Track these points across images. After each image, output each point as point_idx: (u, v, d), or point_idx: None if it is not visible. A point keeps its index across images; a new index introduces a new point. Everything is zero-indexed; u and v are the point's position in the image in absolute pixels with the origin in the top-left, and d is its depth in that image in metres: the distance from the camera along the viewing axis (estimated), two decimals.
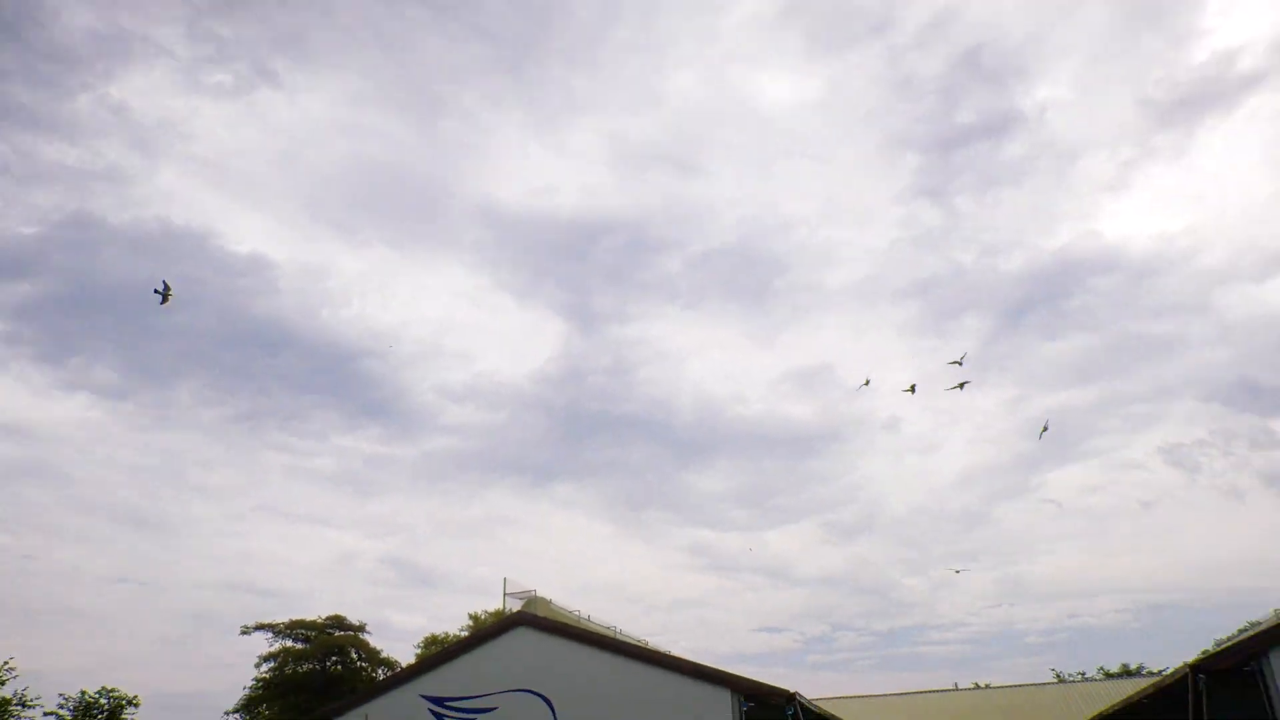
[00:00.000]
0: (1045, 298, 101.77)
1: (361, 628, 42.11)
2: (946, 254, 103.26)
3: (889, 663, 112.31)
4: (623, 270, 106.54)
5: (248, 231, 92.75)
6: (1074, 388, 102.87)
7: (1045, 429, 27.10)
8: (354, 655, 40.89)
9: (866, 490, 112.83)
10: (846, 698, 48.70)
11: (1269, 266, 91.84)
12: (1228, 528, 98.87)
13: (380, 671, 40.55)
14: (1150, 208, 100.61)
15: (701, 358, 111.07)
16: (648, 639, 26.39)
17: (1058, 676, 67.60)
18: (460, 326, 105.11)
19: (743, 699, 20.08)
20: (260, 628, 40.23)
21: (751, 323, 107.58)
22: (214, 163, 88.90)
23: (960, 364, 25.24)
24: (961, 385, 25.62)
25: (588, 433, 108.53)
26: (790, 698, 19.90)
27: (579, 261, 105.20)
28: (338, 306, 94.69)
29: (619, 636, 24.45)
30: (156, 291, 20.09)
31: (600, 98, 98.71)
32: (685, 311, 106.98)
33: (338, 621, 41.55)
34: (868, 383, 27.41)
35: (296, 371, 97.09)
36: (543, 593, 23.91)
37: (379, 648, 42.34)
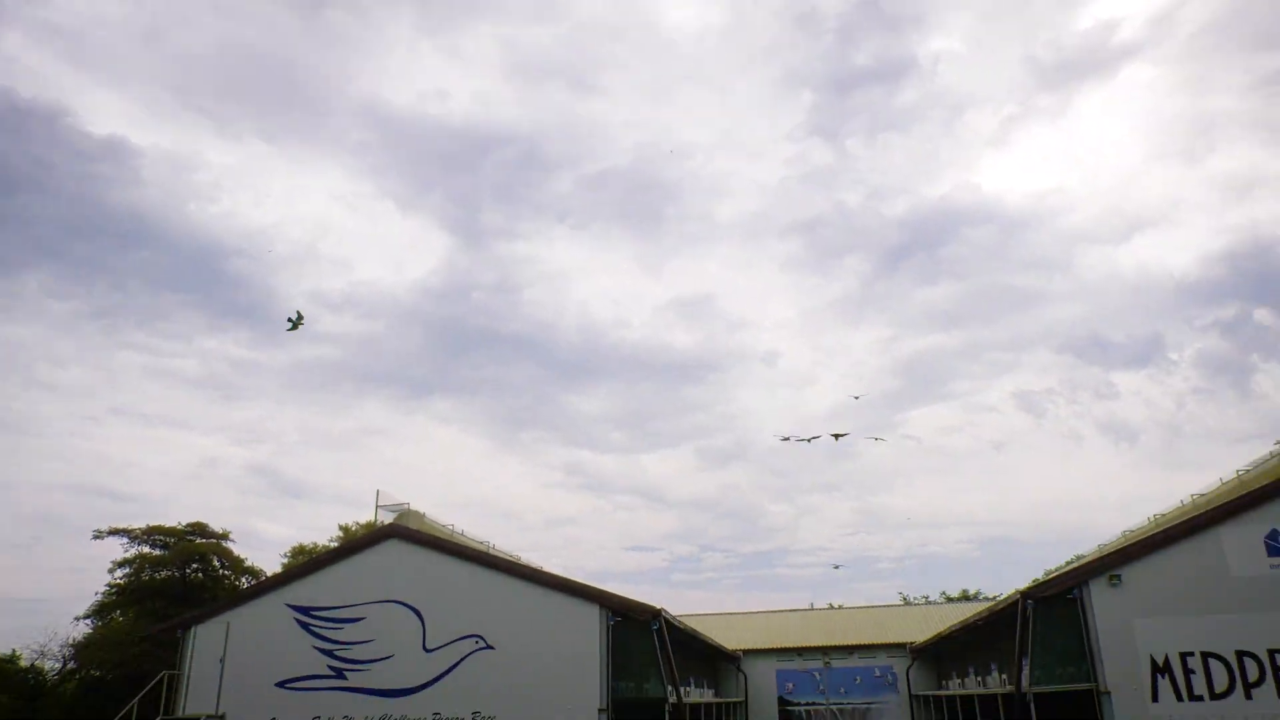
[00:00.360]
0: (923, 244, 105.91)
1: (225, 536, 41.16)
2: (834, 194, 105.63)
3: (752, 583, 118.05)
4: (513, 186, 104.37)
5: (106, 113, 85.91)
6: (942, 332, 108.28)
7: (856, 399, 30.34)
8: (216, 563, 40.02)
9: (741, 420, 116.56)
10: (710, 615, 51.10)
11: (1127, 231, 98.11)
12: (1065, 470, 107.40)
13: (244, 580, 39.88)
14: (1027, 165, 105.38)
15: (588, 280, 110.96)
16: (520, 555, 26.86)
17: (904, 599, 72.89)
18: (339, 232, 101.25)
19: (610, 614, 20.81)
20: (115, 532, 38.75)
21: (640, 248, 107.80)
22: (69, 33, 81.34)
23: (858, 398, 28.69)
24: (834, 435, 30.90)
25: (469, 349, 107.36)
26: (656, 614, 20.73)
27: (468, 173, 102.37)
28: (206, 201, 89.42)
29: (492, 552, 24.81)
30: (289, 319, 21.98)
31: (499, 3, 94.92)
32: (574, 232, 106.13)
33: (199, 529, 40.43)
34: (786, 438, 30.43)
35: (158, 267, 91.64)
36: (416, 506, 23.93)
37: (243, 556, 41.56)
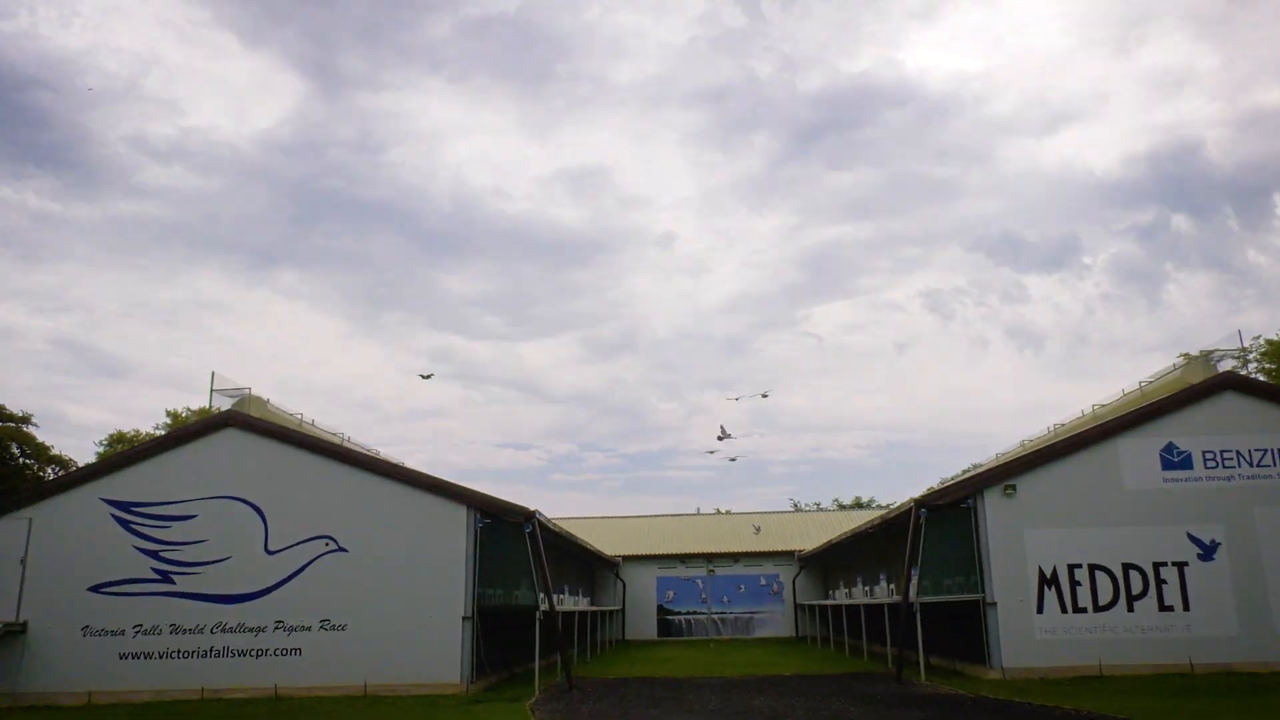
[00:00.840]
0: (837, 125, 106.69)
1: (26, 419, 39.25)
2: (744, 62, 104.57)
3: (635, 485, 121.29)
4: (380, 26, 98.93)
5: None
6: (850, 222, 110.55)
7: (766, 395, 31.66)
8: (15, 450, 38.22)
9: (631, 308, 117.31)
10: (589, 518, 52.44)
11: (1051, 124, 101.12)
12: (969, 375, 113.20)
13: (50, 471, 38.36)
14: (953, 44, 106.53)
15: (464, 142, 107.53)
16: (379, 449, 26.63)
17: (795, 505, 76.56)
18: (167, 66, 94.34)
19: (479, 515, 20.97)
20: None
21: (525, 110, 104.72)
22: None
23: (765, 395, 30.18)
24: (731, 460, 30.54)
25: (322, 215, 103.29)
26: (529, 516, 21.01)
27: (326, 7, 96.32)
28: None
29: (346, 445, 24.53)
30: (421, 375, 26.01)
31: None
32: (450, 86, 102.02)
33: None
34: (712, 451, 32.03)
35: None
36: (258, 391, 23.23)
37: (49, 444, 39.84)
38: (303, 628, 20.62)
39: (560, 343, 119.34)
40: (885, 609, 25.62)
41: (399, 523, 21.11)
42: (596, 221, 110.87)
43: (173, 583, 21.02)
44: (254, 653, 20.56)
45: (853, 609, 31.16)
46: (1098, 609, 20.36)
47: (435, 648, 20.17)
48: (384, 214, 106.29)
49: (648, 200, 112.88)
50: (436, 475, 22.15)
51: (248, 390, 23.12)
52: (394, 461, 24.32)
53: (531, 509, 21.26)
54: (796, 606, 43.75)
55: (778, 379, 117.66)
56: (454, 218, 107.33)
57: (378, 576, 20.77)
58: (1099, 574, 20.59)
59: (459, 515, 20.97)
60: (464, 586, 20.44)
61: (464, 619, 20.24)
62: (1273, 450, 21.22)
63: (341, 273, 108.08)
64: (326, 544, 21.07)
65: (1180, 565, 20.59)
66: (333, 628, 20.57)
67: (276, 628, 20.65)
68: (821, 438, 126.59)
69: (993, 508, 21.11)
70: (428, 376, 26.70)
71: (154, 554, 21.21)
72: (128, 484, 21.72)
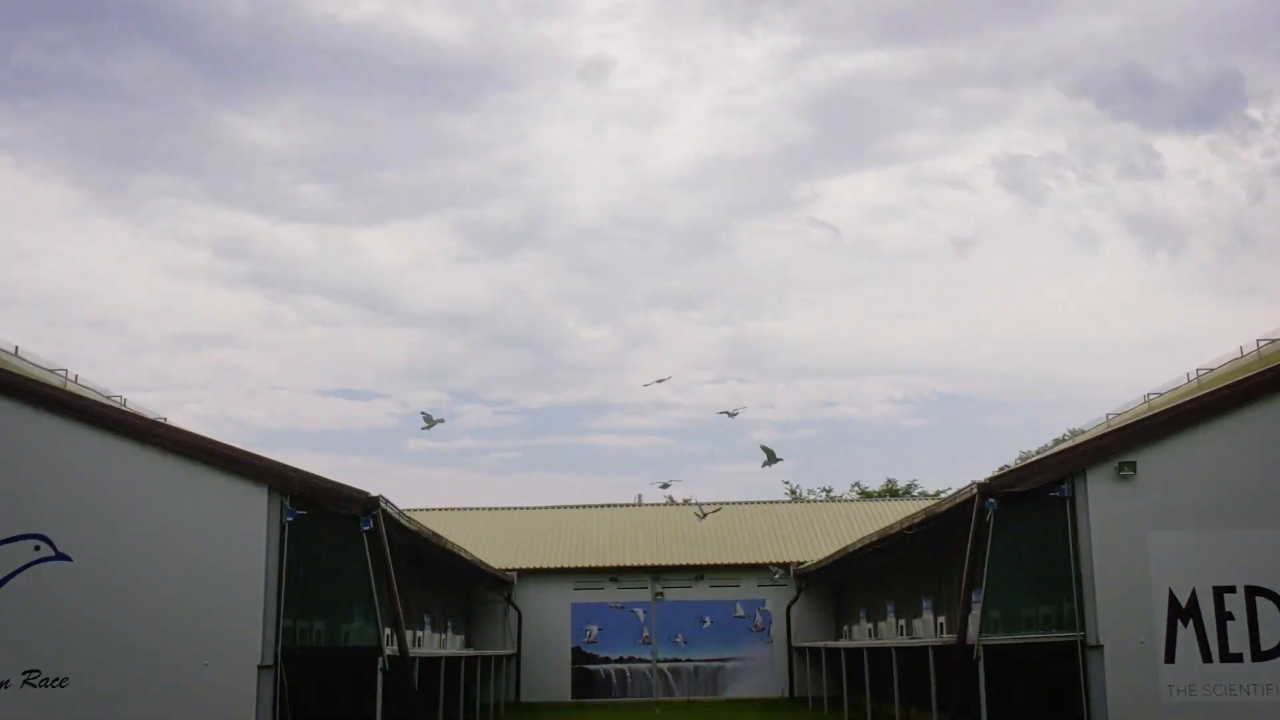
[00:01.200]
0: None
1: None
2: None
3: (543, 458, 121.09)
4: None
5: None
6: (886, 47, 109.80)
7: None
8: None
9: (539, 176, 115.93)
10: (467, 510, 51.99)
11: None
12: (1065, 290, 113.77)
13: None
14: None
15: None
16: (125, 396, 26.04)
17: (793, 493, 76.80)
18: None
19: (288, 503, 20.90)
20: None
21: None
22: None
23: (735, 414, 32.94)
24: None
25: (35, 15, 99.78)
26: (370, 505, 20.83)
27: None
28: None
29: (70, 388, 24.25)
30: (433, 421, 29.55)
31: None
32: None
33: None
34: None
35: None
36: None
37: None
38: None
39: (423, 229, 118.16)
40: (930, 654, 25.47)
41: (157, 514, 21.13)
42: (484, 37, 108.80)
43: None
44: None
45: (879, 654, 31.17)
46: (1259, 656, 20.31)
47: (215, 713, 20.20)
48: (139, 16, 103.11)
49: (567, 6, 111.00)
50: (220, 440, 22.23)
51: None
52: (151, 416, 23.92)
53: (374, 494, 21.11)
54: (791, 649, 43.94)
55: (768, 297, 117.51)
56: (254, 26, 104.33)
57: (121, 600, 20.74)
58: (1261, 601, 20.53)
59: (256, 503, 21.06)
60: (262, 616, 20.53)
61: (261, 668, 20.26)
62: None
63: (67, 110, 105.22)
64: (36, 548, 20.90)
65: None
66: (45, 683, 20.39)
67: None
68: (836, 386, 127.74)
69: (1100, 498, 20.99)
70: (431, 424, 28.69)
71: None
72: None
